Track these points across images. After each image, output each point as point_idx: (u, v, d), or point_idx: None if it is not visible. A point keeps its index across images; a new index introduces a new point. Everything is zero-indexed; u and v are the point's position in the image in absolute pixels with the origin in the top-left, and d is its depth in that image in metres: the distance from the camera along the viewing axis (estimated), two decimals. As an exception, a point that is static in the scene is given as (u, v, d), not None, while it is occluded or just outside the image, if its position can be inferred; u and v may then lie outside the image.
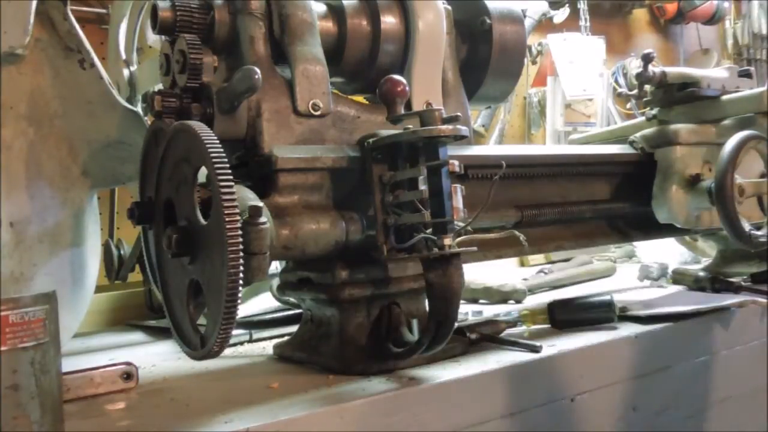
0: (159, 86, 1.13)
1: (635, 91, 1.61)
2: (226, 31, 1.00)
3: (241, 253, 0.76)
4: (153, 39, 1.47)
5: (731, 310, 1.27)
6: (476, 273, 1.50)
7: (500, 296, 1.51)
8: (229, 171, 0.77)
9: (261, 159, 0.96)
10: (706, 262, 1.70)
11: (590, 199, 1.34)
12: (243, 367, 1.07)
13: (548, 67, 2.77)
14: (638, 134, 1.43)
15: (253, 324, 1.27)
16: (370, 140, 0.94)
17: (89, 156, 1.13)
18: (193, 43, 0.94)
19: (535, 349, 1.02)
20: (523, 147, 2.51)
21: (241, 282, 0.76)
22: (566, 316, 1.18)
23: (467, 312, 1.36)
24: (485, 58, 1.22)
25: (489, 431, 0.94)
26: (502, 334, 1.10)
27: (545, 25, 2.77)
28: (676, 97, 1.50)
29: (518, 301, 1.50)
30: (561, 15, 2.75)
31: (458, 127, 0.90)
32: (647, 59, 1.47)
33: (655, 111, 1.56)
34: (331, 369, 0.97)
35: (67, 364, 0.80)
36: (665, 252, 1.92)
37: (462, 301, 0.96)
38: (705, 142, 1.41)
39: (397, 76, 0.96)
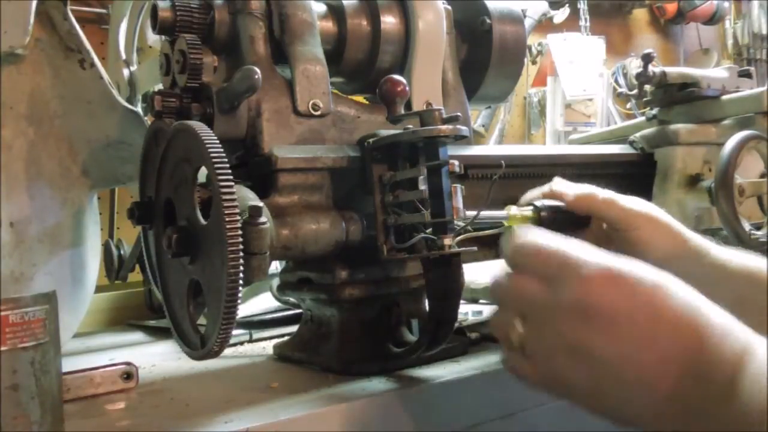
0: (159, 86, 1.13)
1: (635, 91, 1.61)
2: (226, 31, 0.99)
3: (241, 253, 0.76)
4: (153, 39, 1.47)
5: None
6: (476, 273, 1.50)
7: (500, 296, 1.50)
8: (229, 171, 0.77)
9: (261, 159, 0.96)
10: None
11: (590, 199, 1.33)
12: (243, 367, 1.07)
13: (548, 67, 2.77)
14: (638, 134, 1.43)
15: (253, 324, 1.27)
16: (370, 140, 0.94)
17: (89, 156, 1.13)
18: (193, 43, 0.94)
19: (535, 349, 1.02)
20: (523, 147, 2.51)
21: (241, 282, 0.76)
22: None
23: (467, 312, 1.36)
24: (485, 58, 1.22)
25: (489, 431, 0.94)
26: (502, 334, 1.10)
27: (545, 25, 2.77)
28: (676, 97, 1.50)
29: (518, 301, 1.49)
30: (561, 15, 2.76)
31: (458, 127, 0.89)
32: (647, 59, 1.47)
33: (655, 111, 1.55)
34: (331, 369, 0.97)
35: (67, 364, 0.80)
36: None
37: (462, 301, 0.96)
38: (705, 142, 1.40)
39: (397, 76, 0.95)
